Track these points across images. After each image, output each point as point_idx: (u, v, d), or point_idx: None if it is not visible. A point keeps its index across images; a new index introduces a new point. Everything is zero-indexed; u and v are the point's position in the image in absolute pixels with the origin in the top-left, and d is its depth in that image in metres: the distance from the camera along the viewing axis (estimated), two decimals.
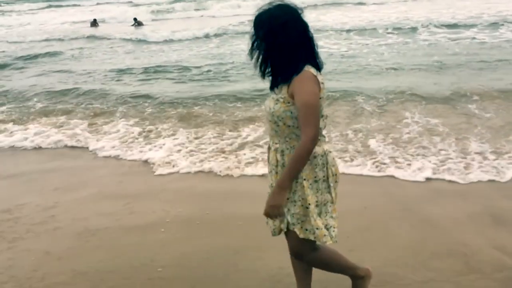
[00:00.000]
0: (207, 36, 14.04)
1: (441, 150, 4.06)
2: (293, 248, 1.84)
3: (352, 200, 3.24)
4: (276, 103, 1.67)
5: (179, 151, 4.52)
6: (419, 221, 2.88)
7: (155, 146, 4.71)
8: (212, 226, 2.98)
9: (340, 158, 3.99)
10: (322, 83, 1.68)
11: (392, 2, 19.70)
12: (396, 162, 3.88)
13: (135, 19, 20.24)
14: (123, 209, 3.38)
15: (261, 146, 4.45)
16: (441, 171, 3.64)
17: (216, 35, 13.96)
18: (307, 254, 1.83)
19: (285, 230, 1.80)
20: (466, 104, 5.33)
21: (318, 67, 1.70)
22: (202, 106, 6.18)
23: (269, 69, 1.70)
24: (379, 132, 4.61)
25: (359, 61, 8.73)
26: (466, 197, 3.21)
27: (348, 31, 12.83)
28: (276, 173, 1.76)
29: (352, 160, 3.99)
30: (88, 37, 15.88)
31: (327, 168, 1.71)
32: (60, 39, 15.83)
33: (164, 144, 4.71)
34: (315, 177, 1.69)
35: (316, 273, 2.03)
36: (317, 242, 1.78)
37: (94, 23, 20.87)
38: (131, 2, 29.80)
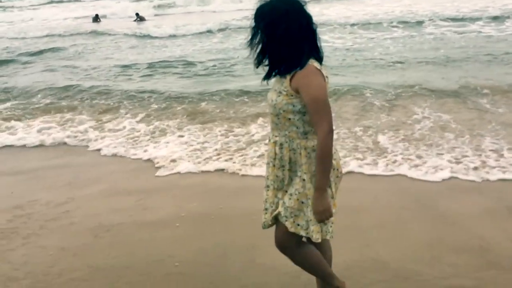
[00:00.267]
0: (210, 31, 13.98)
1: (455, 147, 3.96)
2: (279, 240, 1.81)
3: (365, 196, 3.23)
4: (279, 95, 1.66)
5: (186, 148, 4.46)
6: (434, 217, 2.86)
7: (162, 144, 4.64)
8: (226, 221, 2.97)
9: (350, 157, 3.88)
10: (327, 77, 1.66)
11: None
12: (409, 159, 3.77)
13: (137, 14, 20.16)
14: (136, 205, 3.37)
15: None
16: (455, 169, 3.52)
17: (219, 30, 13.89)
18: (291, 248, 1.81)
19: (274, 222, 1.79)
20: (477, 99, 5.27)
21: (320, 59, 1.68)
22: (209, 102, 6.14)
23: (266, 60, 1.67)
24: (389, 129, 4.53)
25: (365, 55, 8.68)
26: (482, 192, 3.19)
27: (353, 25, 12.76)
28: (274, 165, 1.74)
29: (363, 158, 3.85)
30: (90, 32, 15.82)
31: None
32: (62, 35, 15.78)
33: (171, 142, 4.66)
34: (314, 171, 1.66)
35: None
36: (304, 239, 1.76)
37: (96, 18, 20.79)
38: None
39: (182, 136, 4.80)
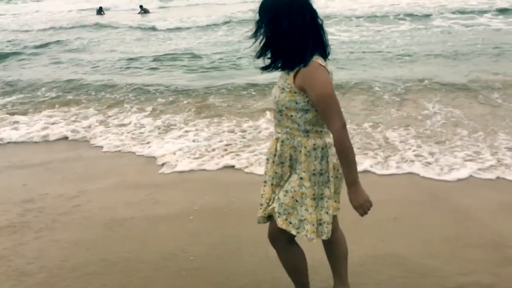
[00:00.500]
0: (215, 23, 13.90)
1: (469, 145, 3.87)
2: (271, 233, 1.81)
3: (377, 191, 3.16)
4: (282, 92, 1.64)
5: (193, 144, 4.38)
6: (450, 212, 2.83)
7: (169, 139, 4.57)
8: (239, 214, 2.95)
9: (361, 155, 3.78)
10: (331, 73, 1.64)
11: None
12: (421, 156, 3.69)
13: (141, 6, 20.08)
14: (147, 199, 3.36)
15: None
16: (471, 168, 3.41)
17: (224, 23, 13.81)
18: (281, 244, 1.81)
19: (268, 218, 1.78)
20: (488, 94, 5.20)
21: (326, 54, 1.65)
22: (216, 96, 6.09)
23: (269, 54, 1.64)
24: (399, 125, 4.46)
25: (372, 48, 8.61)
26: (498, 189, 3.15)
27: (358, 17, 12.65)
28: (273, 162, 1.73)
29: (374, 156, 3.75)
30: (95, 25, 15.77)
31: (327, 161, 1.67)
32: (67, 27, 15.74)
33: (178, 137, 4.60)
34: (314, 169, 1.65)
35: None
36: (298, 237, 1.74)
37: (100, 11, 20.72)
38: None
39: (189, 131, 4.74)
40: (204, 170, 3.82)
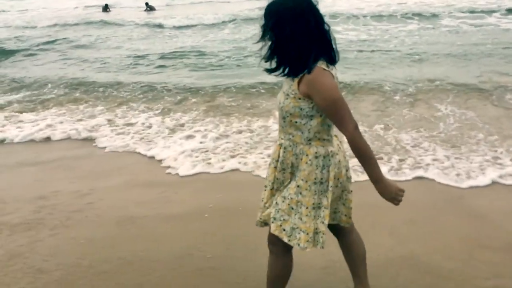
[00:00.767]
0: (221, 21, 13.88)
1: (485, 149, 3.75)
2: (270, 236, 1.79)
3: None
4: (286, 98, 1.61)
5: (202, 144, 4.30)
6: (466, 214, 2.81)
7: (177, 140, 4.48)
8: (254, 213, 2.92)
9: None
10: (336, 77, 1.61)
11: None
12: (436, 161, 3.57)
13: (146, 3, 20.07)
14: (159, 197, 3.36)
15: None
16: (489, 174, 3.28)
17: (230, 21, 13.79)
18: (279, 248, 1.78)
19: (265, 223, 1.78)
20: (502, 95, 5.13)
21: (333, 60, 1.60)
22: (225, 95, 6.04)
23: (276, 59, 1.62)
24: (412, 127, 4.36)
25: (381, 47, 8.56)
26: None
27: (366, 16, 12.59)
28: (275, 167, 1.72)
29: (387, 160, 3.61)
30: (101, 22, 15.78)
31: (328, 170, 1.65)
32: (73, 24, 15.76)
33: (186, 138, 4.50)
34: (315, 178, 1.64)
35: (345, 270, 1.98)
36: (294, 246, 1.72)
37: (106, 8, 20.74)
38: None
39: (197, 132, 4.64)
40: (215, 171, 3.73)
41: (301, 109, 1.59)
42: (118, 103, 6.04)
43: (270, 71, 1.65)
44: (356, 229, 1.95)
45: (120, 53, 9.95)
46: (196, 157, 4.03)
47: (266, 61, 1.63)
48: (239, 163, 3.83)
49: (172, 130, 4.80)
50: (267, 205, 1.77)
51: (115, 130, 4.91)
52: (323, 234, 1.68)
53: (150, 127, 4.96)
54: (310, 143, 1.64)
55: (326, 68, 1.54)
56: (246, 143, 4.29)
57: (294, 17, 1.52)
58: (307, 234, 1.66)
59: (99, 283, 2.36)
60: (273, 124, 4.78)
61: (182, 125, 4.94)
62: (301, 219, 1.66)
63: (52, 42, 12.13)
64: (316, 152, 1.62)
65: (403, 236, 2.60)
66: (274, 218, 1.70)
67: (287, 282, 1.89)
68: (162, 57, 9.17)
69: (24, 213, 3.18)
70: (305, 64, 1.54)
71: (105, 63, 9.00)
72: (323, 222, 1.67)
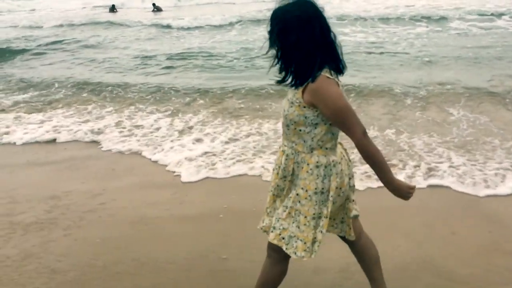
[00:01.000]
0: (228, 23, 13.89)
1: (501, 155, 3.65)
2: (271, 243, 1.78)
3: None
4: (291, 106, 1.60)
5: (211, 148, 4.21)
6: (483, 221, 2.77)
7: (186, 142, 4.40)
8: None
9: None
10: (341, 85, 1.59)
11: None
12: (451, 167, 3.46)
13: (153, 4, 20.15)
14: (172, 198, 3.35)
15: None
16: (508, 183, 3.18)
17: (237, 22, 13.80)
18: (278, 255, 1.76)
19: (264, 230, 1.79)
20: None
21: (340, 70, 1.58)
22: (234, 97, 6.00)
23: (286, 67, 1.60)
24: (424, 132, 4.27)
25: (389, 50, 8.52)
26: None
27: (373, 18, 12.55)
28: (277, 174, 1.72)
29: (402, 169, 3.50)
30: (108, 23, 15.86)
31: (329, 180, 1.63)
32: (81, 25, 15.85)
33: (194, 141, 4.43)
34: (316, 188, 1.62)
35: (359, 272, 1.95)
36: (291, 255, 1.70)
37: (113, 8, 20.84)
38: None
39: (206, 135, 4.57)
40: (221, 177, 3.65)
41: (305, 117, 1.58)
42: (126, 104, 6.01)
43: (280, 82, 1.63)
44: (365, 232, 1.93)
45: (127, 54, 9.97)
46: (204, 161, 3.94)
47: (274, 66, 1.62)
48: (249, 168, 3.75)
49: (181, 133, 4.73)
50: (268, 210, 1.78)
51: (123, 132, 4.87)
52: (320, 243, 1.68)
53: (158, 129, 4.91)
54: (311, 152, 1.62)
55: (330, 76, 1.53)
56: (254, 147, 4.21)
57: (300, 24, 1.50)
58: (305, 243, 1.65)
59: (113, 284, 2.35)
60: None
61: (191, 127, 4.87)
62: (298, 227, 1.66)
63: (60, 42, 12.19)
64: (317, 162, 1.61)
65: (419, 240, 2.58)
66: (274, 227, 1.71)
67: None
68: (170, 58, 9.18)
69: (36, 213, 3.18)
70: (309, 73, 1.52)
71: (113, 63, 9.02)
72: (321, 232, 1.67)
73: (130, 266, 2.49)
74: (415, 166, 3.55)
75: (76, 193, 3.49)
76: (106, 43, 11.86)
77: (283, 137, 1.71)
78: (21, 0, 28.05)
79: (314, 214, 1.64)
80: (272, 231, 1.71)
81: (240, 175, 3.66)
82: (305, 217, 1.64)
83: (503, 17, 11.44)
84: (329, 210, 1.64)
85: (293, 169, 1.66)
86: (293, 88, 1.59)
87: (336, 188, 1.64)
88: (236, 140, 4.44)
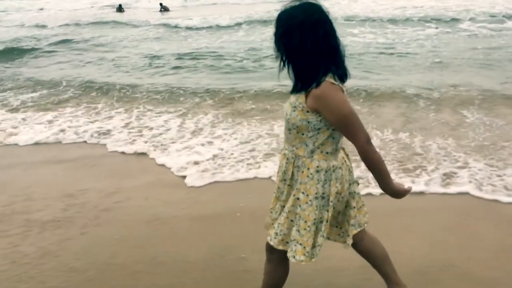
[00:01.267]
0: (235, 23, 13.90)
1: None
2: (268, 245, 1.79)
3: (424, 200, 3.12)
4: (294, 110, 1.58)
5: (226, 149, 4.16)
6: (504, 223, 2.74)
7: (197, 145, 4.34)
8: None
9: (398, 170, 3.51)
10: (345, 90, 1.58)
11: None
12: (470, 173, 3.36)
13: (161, 4, 20.21)
14: (187, 198, 3.34)
15: None
16: None
17: (245, 22, 13.80)
18: (277, 256, 1.78)
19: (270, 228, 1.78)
20: None
21: (342, 79, 1.55)
22: (244, 97, 5.95)
23: (291, 71, 1.59)
24: (439, 135, 4.20)
25: (400, 51, 8.47)
26: None
27: (382, 19, 12.50)
28: (279, 176, 1.74)
29: (418, 175, 3.42)
30: (116, 22, 15.93)
31: (330, 185, 1.62)
32: (89, 24, 15.93)
33: (204, 143, 4.36)
34: (316, 193, 1.61)
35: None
36: (290, 259, 1.71)
37: (120, 8, 20.93)
38: None
39: (216, 137, 4.49)
40: (232, 180, 3.59)
41: (308, 122, 1.56)
42: (134, 104, 5.97)
43: (294, 90, 1.60)
44: (368, 232, 1.92)
45: (136, 54, 10.00)
46: (216, 162, 3.90)
47: (280, 70, 1.60)
48: (262, 169, 3.69)
49: (192, 134, 4.67)
50: (271, 210, 1.80)
51: (132, 133, 4.83)
52: (321, 246, 1.69)
53: (168, 130, 4.85)
54: (312, 157, 1.61)
55: (335, 82, 1.51)
56: (265, 149, 4.15)
57: (304, 29, 1.48)
58: (304, 247, 1.65)
59: (132, 283, 2.35)
60: None
61: (201, 129, 4.80)
62: (298, 231, 1.66)
63: (68, 41, 12.25)
64: (317, 166, 1.60)
65: (439, 244, 2.55)
66: (276, 233, 1.72)
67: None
68: (178, 58, 9.19)
69: (53, 211, 3.19)
70: (314, 78, 1.50)
71: (121, 63, 9.05)
72: (322, 236, 1.67)
73: (148, 265, 2.49)
74: (432, 171, 3.49)
75: (91, 192, 3.49)
76: (114, 42, 11.90)
77: (285, 141, 1.71)
78: (32, 0, 28.23)
79: (315, 219, 1.64)
80: (275, 238, 1.72)
81: (252, 178, 3.60)
82: (305, 221, 1.64)
83: None
84: (330, 214, 1.65)
85: (292, 173, 1.66)
86: (296, 92, 1.58)
87: (336, 193, 1.63)
88: (248, 142, 4.37)
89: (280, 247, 1.71)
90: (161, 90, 6.58)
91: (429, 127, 4.49)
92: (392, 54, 8.21)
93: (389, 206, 2.95)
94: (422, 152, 3.86)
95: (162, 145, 4.42)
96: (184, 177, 3.67)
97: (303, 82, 1.54)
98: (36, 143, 4.75)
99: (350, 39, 9.77)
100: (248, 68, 7.91)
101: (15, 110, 6.04)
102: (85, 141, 4.73)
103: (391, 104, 5.37)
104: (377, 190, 3.17)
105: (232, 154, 4.08)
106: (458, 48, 8.47)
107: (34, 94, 6.83)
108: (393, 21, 12.23)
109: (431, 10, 13.76)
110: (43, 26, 16.12)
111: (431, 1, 15.47)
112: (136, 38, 12.55)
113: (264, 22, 13.35)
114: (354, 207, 1.74)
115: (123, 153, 4.36)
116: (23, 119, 5.55)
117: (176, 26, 14.17)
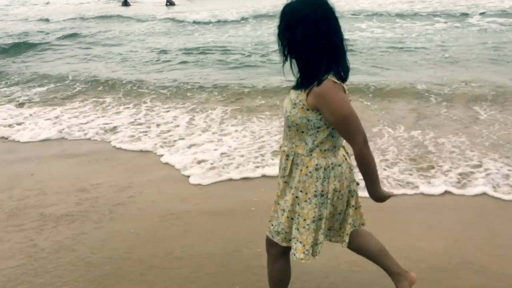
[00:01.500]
0: (241, 17, 13.83)
1: None
2: (268, 239, 1.80)
3: (440, 197, 3.10)
4: (294, 107, 1.56)
5: (233, 145, 4.13)
6: None
7: (206, 142, 4.30)
8: None
9: (411, 171, 3.44)
10: (347, 90, 1.56)
11: None
12: (488, 174, 3.29)
13: None
14: (199, 193, 3.34)
15: None
16: None
17: (252, 17, 13.73)
18: (276, 251, 1.78)
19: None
20: None
21: (341, 76, 1.51)
22: (252, 93, 5.91)
23: (295, 67, 1.56)
24: (452, 133, 4.13)
25: (409, 46, 8.40)
26: None
27: (390, 14, 12.38)
28: (279, 172, 1.73)
29: (435, 173, 3.35)
30: (122, 17, 15.90)
31: (328, 182, 1.61)
32: (94, 18, 15.92)
33: (218, 140, 4.31)
34: (315, 191, 1.60)
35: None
36: (292, 256, 1.71)
37: (126, 3, 20.88)
38: None
39: (225, 134, 4.45)
40: (243, 177, 3.55)
41: (308, 120, 1.54)
42: (142, 99, 5.94)
43: (297, 87, 1.58)
44: (360, 230, 1.89)
45: (142, 48, 9.98)
46: (227, 158, 3.88)
47: (283, 64, 1.58)
48: (274, 165, 3.65)
49: (201, 130, 4.64)
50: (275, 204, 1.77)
51: (140, 129, 4.80)
52: (322, 243, 1.69)
53: (177, 126, 4.81)
54: (311, 155, 1.60)
55: (337, 81, 1.48)
56: (274, 147, 4.13)
57: (305, 23, 1.45)
58: (304, 246, 1.65)
59: (149, 278, 2.35)
60: None
61: (209, 125, 4.76)
62: (298, 229, 1.66)
63: (74, 36, 12.24)
64: (316, 164, 1.59)
65: (458, 240, 2.54)
66: (277, 232, 1.72)
67: (288, 283, 1.90)
68: (185, 52, 9.16)
69: (66, 205, 3.20)
70: (315, 75, 1.48)
71: (127, 58, 9.03)
72: (323, 234, 1.68)
73: (165, 260, 2.49)
74: (447, 171, 3.43)
75: (104, 186, 3.50)
76: (121, 37, 11.89)
77: (284, 137, 1.69)
78: None
79: (314, 217, 1.63)
80: (277, 236, 1.72)
81: (261, 176, 3.55)
82: (305, 220, 1.63)
83: None
84: (328, 210, 1.65)
85: (291, 170, 1.65)
86: (297, 89, 1.56)
87: (334, 190, 1.62)
88: (257, 138, 4.33)
89: (285, 244, 1.72)
90: (169, 85, 6.56)
91: (441, 124, 4.44)
92: (401, 49, 8.14)
93: (407, 203, 2.97)
94: (436, 151, 3.81)
95: (170, 141, 4.39)
96: (192, 175, 3.62)
97: (305, 79, 1.52)
98: (44, 139, 4.72)
99: (359, 34, 9.70)
100: (256, 63, 7.87)
101: (22, 105, 6.04)
102: (93, 137, 4.71)
103: (401, 100, 5.33)
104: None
105: (242, 151, 4.06)
106: (468, 43, 8.38)
107: (41, 89, 6.83)
108: (401, 15, 12.11)
109: (439, 4, 13.61)
110: (49, 20, 16.12)
111: None
112: (143, 32, 12.52)
113: (271, 16, 13.26)
114: (353, 206, 1.73)
115: (131, 149, 4.32)
116: (31, 114, 5.55)
117: (182, 21, 14.11)
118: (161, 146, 4.30)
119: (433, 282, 2.14)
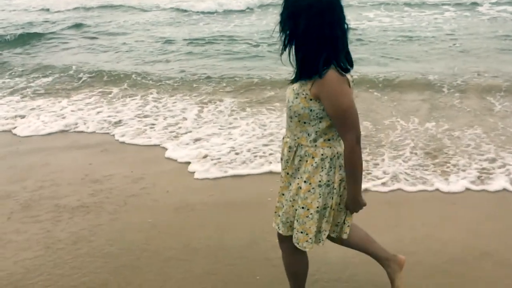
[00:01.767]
0: (247, 7, 13.66)
1: None
2: (279, 234, 1.79)
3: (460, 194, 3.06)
4: (296, 97, 1.53)
5: (243, 139, 4.05)
6: None
7: (213, 135, 4.23)
8: None
9: (429, 168, 3.34)
10: (352, 81, 1.53)
11: None
12: (503, 168, 3.25)
13: None
14: (213, 185, 3.33)
15: None
16: None
17: (257, 6, 13.56)
18: (288, 245, 1.76)
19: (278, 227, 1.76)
20: None
21: (342, 68, 1.48)
22: (260, 84, 5.82)
23: (294, 57, 1.53)
24: (467, 125, 4.06)
25: (418, 35, 8.27)
26: None
27: (398, 2, 12.17)
28: (282, 163, 1.72)
29: (452, 167, 3.28)
30: (125, 6, 15.73)
31: (334, 172, 1.59)
32: (98, 7, 15.77)
33: (222, 135, 4.23)
34: (320, 181, 1.58)
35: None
36: (296, 245, 1.70)
37: None
38: None
39: (235, 127, 4.37)
40: (250, 173, 3.48)
41: (311, 110, 1.52)
42: (148, 91, 5.86)
43: (295, 79, 1.55)
44: None
45: (147, 39, 9.87)
46: (240, 149, 3.85)
47: (281, 54, 1.55)
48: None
49: (210, 122, 4.57)
50: (279, 195, 1.77)
51: (147, 120, 4.74)
52: (326, 231, 1.69)
53: (185, 119, 4.72)
54: (315, 145, 1.58)
55: (342, 73, 1.46)
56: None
57: (309, 12, 1.42)
58: (307, 234, 1.65)
59: (168, 270, 2.35)
60: None
61: (217, 119, 4.68)
62: (297, 220, 1.65)
63: (79, 26, 12.11)
64: (322, 154, 1.57)
65: (477, 232, 2.52)
66: (282, 222, 1.72)
67: (306, 275, 1.89)
68: (191, 43, 9.05)
69: (81, 196, 3.19)
70: (316, 66, 1.45)
71: (133, 48, 8.92)
72: (327, 221, 1.67)
73: (182, 252, 2.48)
74: (464, 166, 3.36)
75: (116, 178, 3.49)
76: (126, 26, 11.77)
77: (286, 128, 1.67)
78: None
79: (318, 207, 1.62)
80: (283, 226, 1.72)
81: (276, 170, 3.46)
82: (308, 209, 1.62)
83: None
84: (334, 201, 1.63)
85: (293, 161, 1.63)
86: (296, 80, 1.54)
87: (340, 180, 1.61)
88: (268, 130, 4.27)
89: (290, 233, 1.72)
90: (175, 76, 6.48)
91: (455, 116, 4.38)
92: (410, 38, 8.02)
93: (427, 196, 2.95)
94: (452, 145, 3.75)
95: (178, 134, 4.33)
96: (203, 169, 3.57)
97: (305, 70, 1.49)
98: (49, 133, 4.62)
99: (367, 23, 9.57)
100: (263, 53, 7.78)
101: (28, 97, 5.98)
102: (100, 129, 4.64)
103: (413, 91, 5.26)
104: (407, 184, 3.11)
105: (250, 145, 3.98)
106: (478, 32, 8.25)
107: (47, 80, 6.75)
108: (409, 4, 11.91)
109: None
110: (52, 10, 15.99)
111: None
112: (148, 22, 12.40)
113: (276, 5, 13.07)
114: None
115: (139, 143, 4.24)
116: (37, 106, 5.49)
117: (187, 10, 13.96)
118: (169, 139, 4.24)
119: (457, 274, 2.13)
